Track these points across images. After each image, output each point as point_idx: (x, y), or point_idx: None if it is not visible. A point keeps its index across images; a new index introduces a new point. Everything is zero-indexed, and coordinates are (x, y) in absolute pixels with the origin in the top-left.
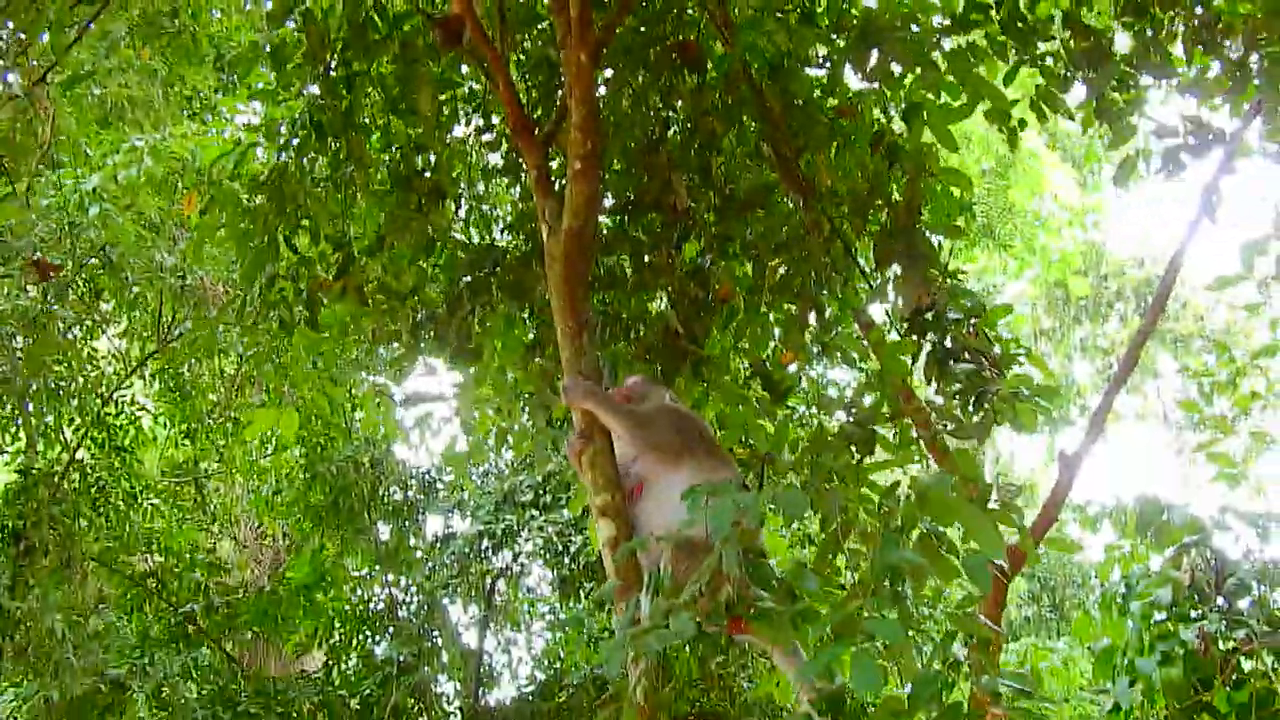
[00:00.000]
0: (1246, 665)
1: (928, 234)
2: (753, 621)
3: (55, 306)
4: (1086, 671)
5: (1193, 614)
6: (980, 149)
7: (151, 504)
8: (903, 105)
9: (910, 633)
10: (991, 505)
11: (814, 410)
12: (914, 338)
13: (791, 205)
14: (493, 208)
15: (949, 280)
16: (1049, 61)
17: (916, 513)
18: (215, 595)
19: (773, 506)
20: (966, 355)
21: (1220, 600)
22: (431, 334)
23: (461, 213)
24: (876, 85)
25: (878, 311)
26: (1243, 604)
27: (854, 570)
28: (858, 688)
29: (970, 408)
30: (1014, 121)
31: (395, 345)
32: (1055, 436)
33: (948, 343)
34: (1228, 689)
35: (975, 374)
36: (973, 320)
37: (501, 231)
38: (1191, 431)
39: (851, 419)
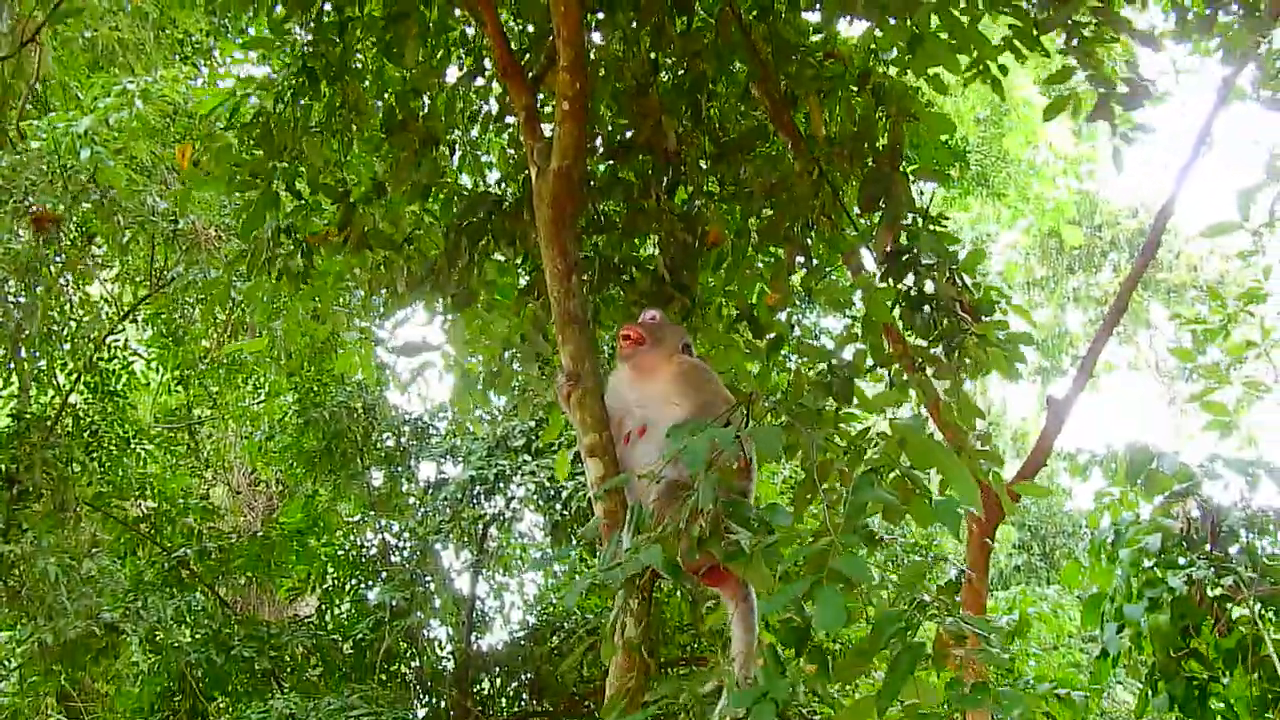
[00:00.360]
0: (1235, 612)
1: (910, 178)
2: (727, 558)
3: (47, 252)
4: (1076, 619)
5: (1181, 561)
6: (975, 97)
7: (145, 449)
8: (892, 49)
9: (880, 573)
10: (975, 446)
11: (801, 358)
12: (891, 282)
13: (781, 149)
14: (488, 154)
15: (927, 225)
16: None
17: (893, 455)
18: (209, 540)
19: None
20: (941, 300)
21: (1209, 547)
22: (428, 281)
23: (456, 159)
24: (867, 26)
25: (868, 257)
26: (1232, 551)
27: (829, 507)
28: (821, 624)
29: (945, 353)
30: (994, 71)
31: (389, 292)
32: (1047, 385)
33: (924, 287)
34: (1216, 636)
35: (949, 319)
36: (950, 265)
37: (498, 181)
38: (1184, 381)
39: (833, 368)
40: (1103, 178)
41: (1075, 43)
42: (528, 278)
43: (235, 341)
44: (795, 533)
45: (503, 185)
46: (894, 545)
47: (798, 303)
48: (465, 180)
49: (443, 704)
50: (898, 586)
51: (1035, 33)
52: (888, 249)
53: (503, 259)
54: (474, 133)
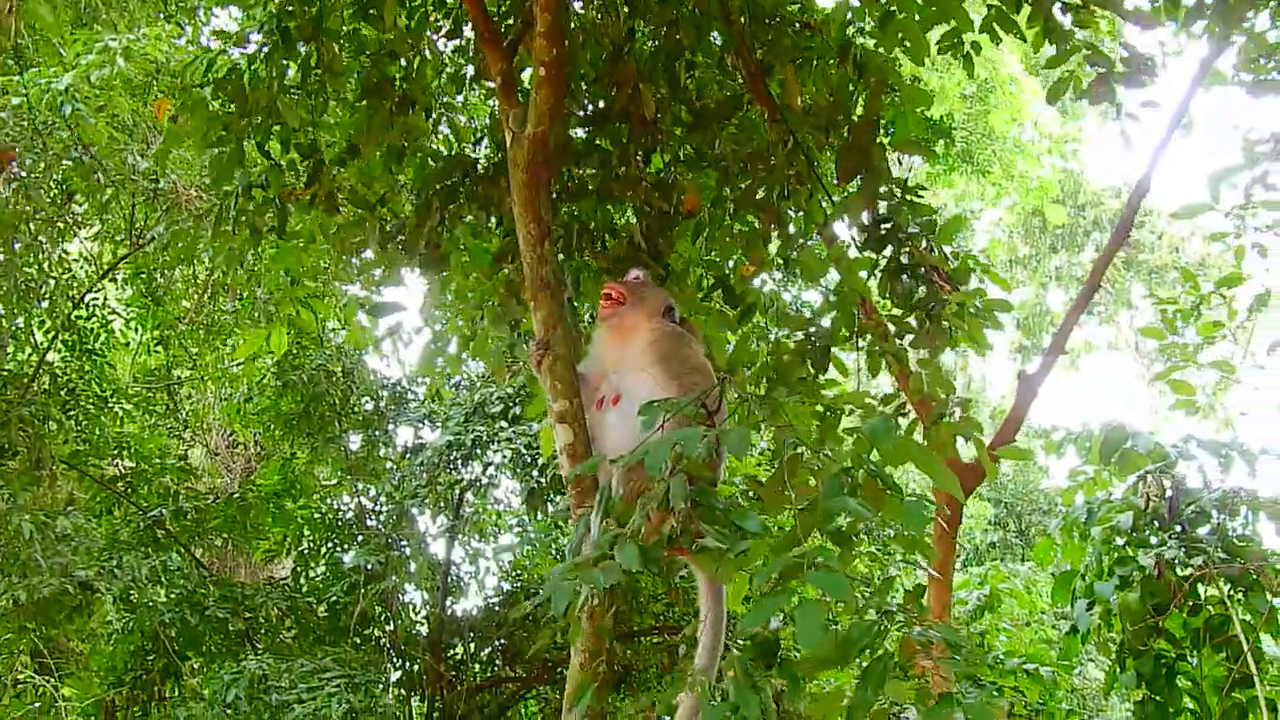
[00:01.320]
0: (1203, 591)
1: (887, 150)
2: (695, 555)
3: (28, 207)
4: (1048, 596)
5: (1152, 540)
6: (960, 72)
7: (122, 408)
8: (869, 20)
9: (852, 581)
10: (951, 418)
11: (778, 328)
12: (870, 252)
13: (758, 119)
14: (469, 119)
15: (905, 196)
16: None
17: (861, 454)
18: (185, 501)
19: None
20: (921, 270)
21: (1179, 527)
22: (400, 242)
23: (431, 122)
24: None
25: (841, 226)
26: (1202, 531)
27: (800, 510)
28: (801, 641)
29: (923, 321)
30: (968, 47)
31: (364, 254)
32: (1027, 364)
33: (902, 257)
34: (1183, 614)
35: (927, 288)
36: (928, 235)
37: (474, 144)
38: (1163, 362)
39: (810, 336)
40: (1087, 157)
41: (1069, 20)
42: (501, 243)
43: (215, 302)
44: (766, 529)
45: (478, 149)
46: (861, 539)
47: (779, 275)
48: (443, 143)
49: (416, 668)
50: (867, 600)
51: (1015, 15)
52: (865, 220)
53: (475, 223)
54: (452, 96)
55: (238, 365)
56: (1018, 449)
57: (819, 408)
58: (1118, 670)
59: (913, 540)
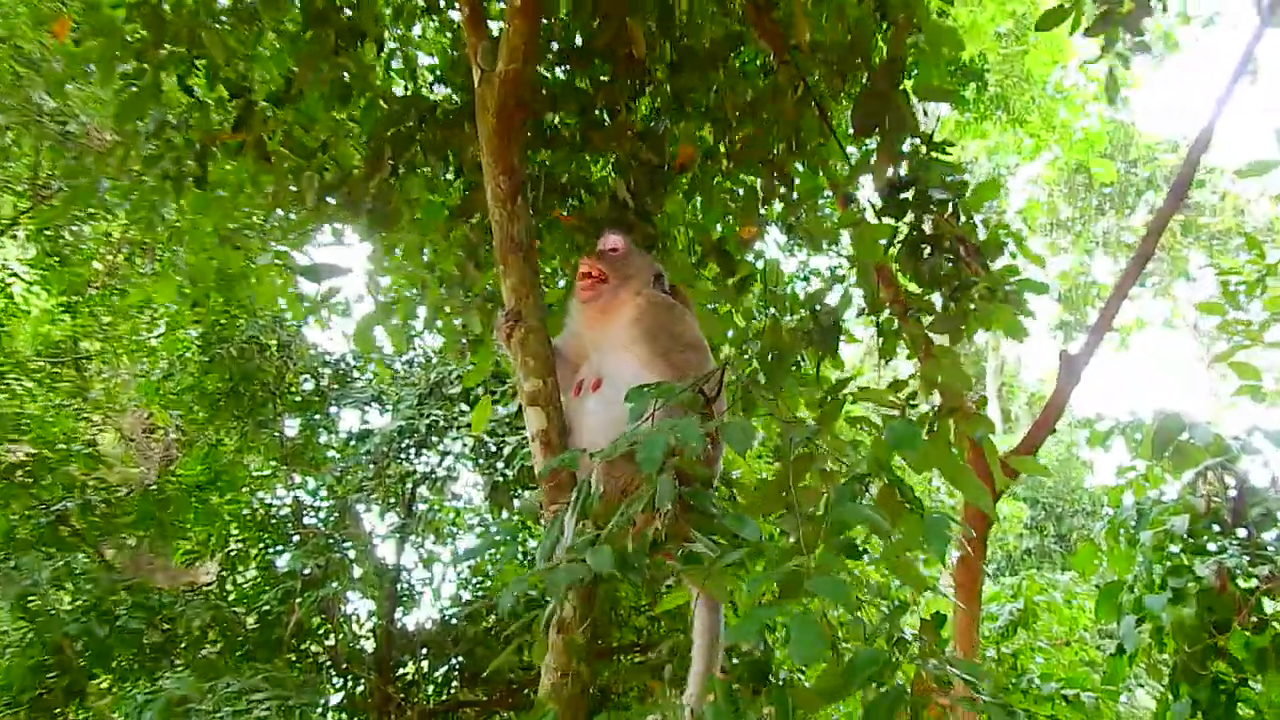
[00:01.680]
0: (1269, 606)
1: (912, 98)
2: (683, 566)
3: None
4: (1090, 610)
5: (1211, 547)
6: (995, 8)
7: (22, 386)
8: None
9: (863, 593)
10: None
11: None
12: (889, 219)
13: (761, 60)
14: (426, 54)
15: (931, 153)
16: None
17: (881, 458)
18: (94, 493)
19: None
20: (946, 242)
21: (1242, 532)
22: (344, 196)
23: (383, 57)
24: None
25: (859, 188)
26: (1268, 537)
27: (806, 518)
28: (795, 655)
29: (945, 302)
30: None
31: (300, 208)
32: (1070, 343)
33: (925, 226)
34: (1247, 633)
35: (953, 264)
36: (956, 200)
37: (432, 83)
38: (1225, 341)
39: (815, 314)
40: (1140, 105)
41: None
42: (462, 195)
43: (131, 264)
44: (766, 538)
45: (436, 90)
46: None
47: (781, 240)
48: (396, 81)
49: (360, 688)
50: (877, 627)
51: None
52: (885, 180)
53: (431, 174)
54: (407, 28)
55: (156, 337)
56: (1035, 463)
57: (818, 395)
58: (1171, 697)
59: (904, 566)
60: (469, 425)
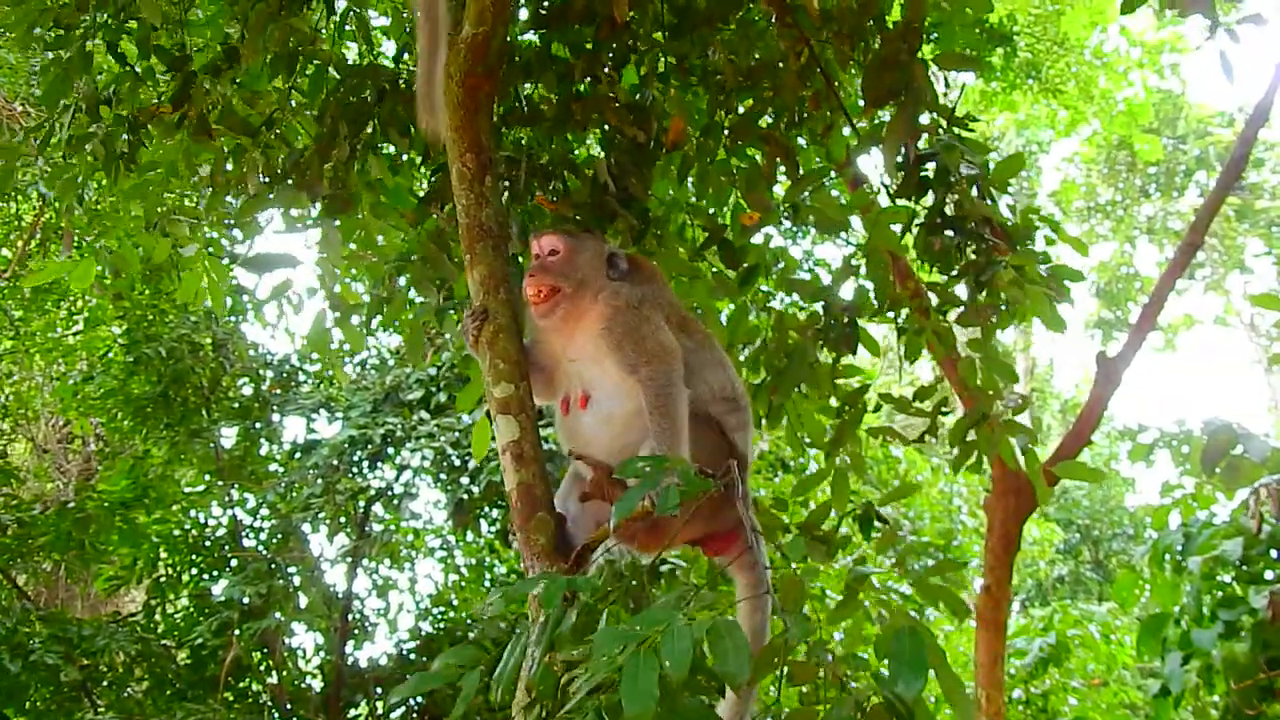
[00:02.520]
0: None
1: (932, 66)
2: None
3: None
4: (1131, 645)
5: (1267, 575)
6: None
7: None
8: None
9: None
10: (1005, 416)
11: (784, 293)
12: (906, 200)
13: (763, 23)
14: (382, 16)
15: (953, 127)
16: None
17: (879, 675)
18: (3, 511)
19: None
20: (970, 225)
21: None
22: (292, 178)
23: (334, 21)
24: None
25: (872, 166)
26: None
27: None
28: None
29: (972, 291)
30: None
31: (239, 190)
32: (1109, 343)
33: (947, 208)
34: None
35: (978, 249)
36: (980, 179)
37: (392, 51)
38: None
39: (829, 309)
40: (1190, 73)
41: None
42: (430, 179)
43: (45, 251)
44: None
45: (399, 59)
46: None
47: (782, 223)
48: (349, 47)
49: None
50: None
51: None
52: (901, 157)
53: (394, 155)
54: None
55: (74, 334)
56: (1083, 467)
57: (835, 402)
58: None
59: (940, 590)
60: (430, 436)
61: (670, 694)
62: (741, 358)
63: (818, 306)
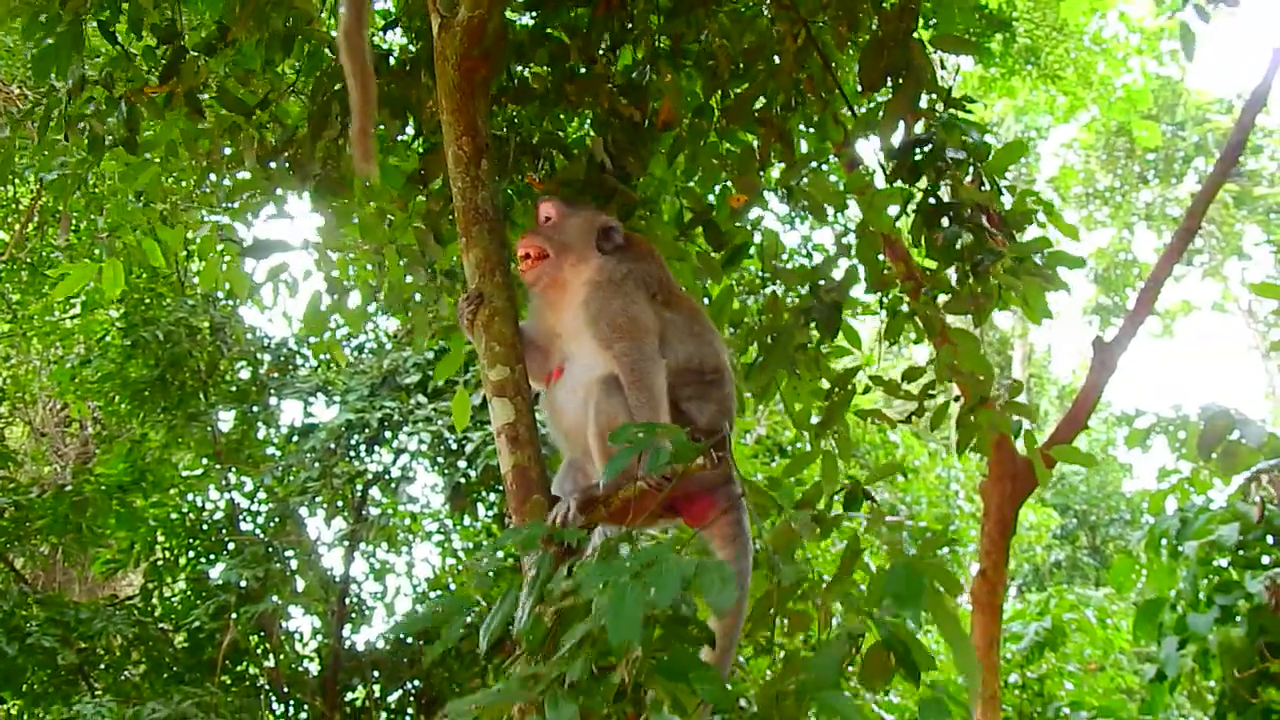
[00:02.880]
0: None
1: (929, 48)
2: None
3: None
4: (1128, 630)
5: (1264, 560)
6: None
7: None
8: None
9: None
10: (1002, 398)
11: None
12: (901, 183)
13: (757, 8)
14: None
15: (949, 110)
16: None
17: (873, 611)
18: (1, 495)
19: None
20: (966, 210)
21: None
22: (287, 159)
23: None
24: None
25: (868, 149)
26: None
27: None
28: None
29: (964, 277)
30: None
31: (239, 173)
32: (1106, 330)
33: (943, 192)
34: None
35: (975, 234)
36: (976, 163)
37: (385, 29)
38: None
39: (816, 291)
40: (1191, 60)
41: None
42: (421, 160)
43: (42, 235)
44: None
45: (392, 36)
46: (899, 524)
47: (781, 208)
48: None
49: (303, 715)
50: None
51: None
52: (897, 140)
53: (387, 135)
54: None
55: (71, 317)
56: (1079, 452)
57: (824, 384)
58: None
59: (933, 567)
60: (427, 419)
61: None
62: (729, 335)
63: (807, 289)
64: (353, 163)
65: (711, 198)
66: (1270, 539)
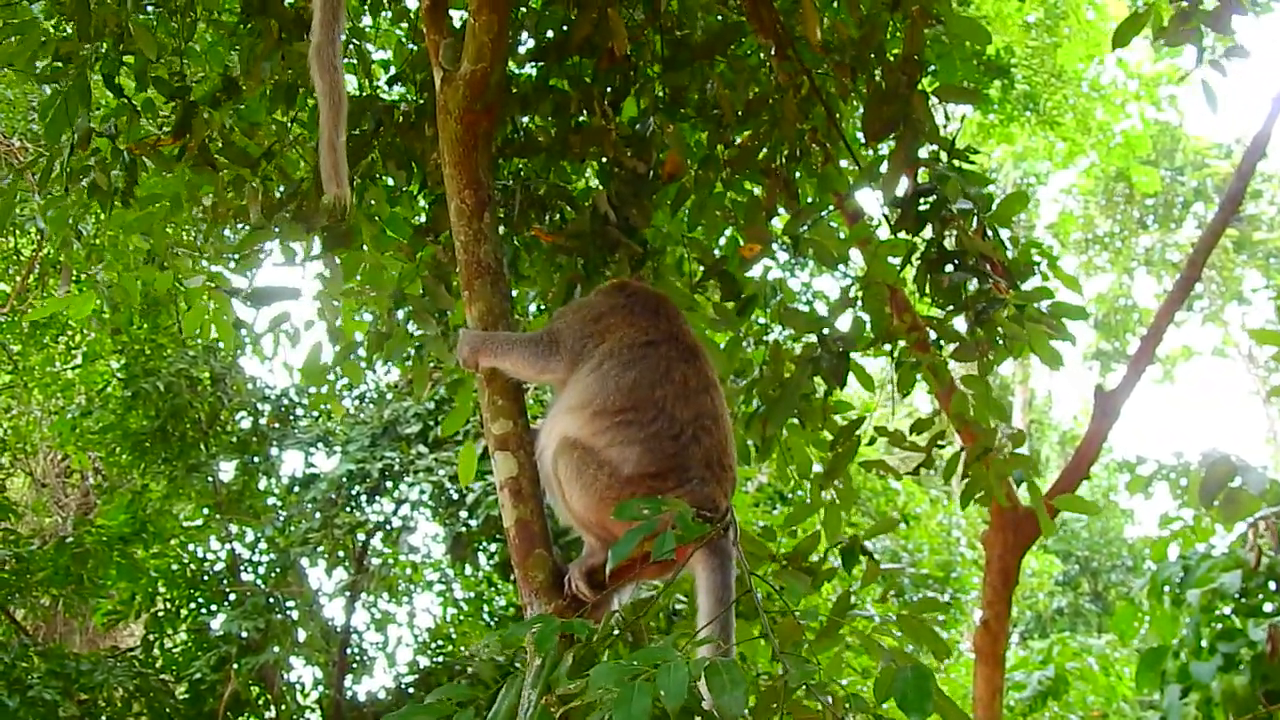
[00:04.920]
0: None
1: (931, 98)
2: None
3: None
4: (1130, 679)
5: (1267, 607)
6: None
7: None
8: None
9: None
10: (1006, 448)
11: (782, 326)
12: (905, 234)
13: (761, 56)
14: (380, 49)
15: (952, 160)
16: None
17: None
18: (2, 546)
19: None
20: (970, 260)
21: None
22: (292, 210)
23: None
24: None
25: (870, 199)
26: None
27: None
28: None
29: (971, 326)
30: None
31: (242, 225)
32: (1107, 376)
33: (947, 241)
34: None
35: (978, 282)
36: (980, 214)
37: (387, 81)
38: None
39: (824, 340)
40: (1189, 105)
41: None
42: (427, 210)
43: (44, 285)
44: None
45: (396, 87)
46: (899, 575)
47: (780, 256)
48: (349, 82)
49: None
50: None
51: None
52: (900, 191)
53: (393, 185)
54: (356, 20)
55: (72, 368)
56: (1083, 500)
57: (828, 435)
58: None
59: (923, 630)
60: (428, 469)
61: None
62: (738, 387)
63: (813, 337)
64: (324, 185)
65: (721, 247)
66: (1272, 586)
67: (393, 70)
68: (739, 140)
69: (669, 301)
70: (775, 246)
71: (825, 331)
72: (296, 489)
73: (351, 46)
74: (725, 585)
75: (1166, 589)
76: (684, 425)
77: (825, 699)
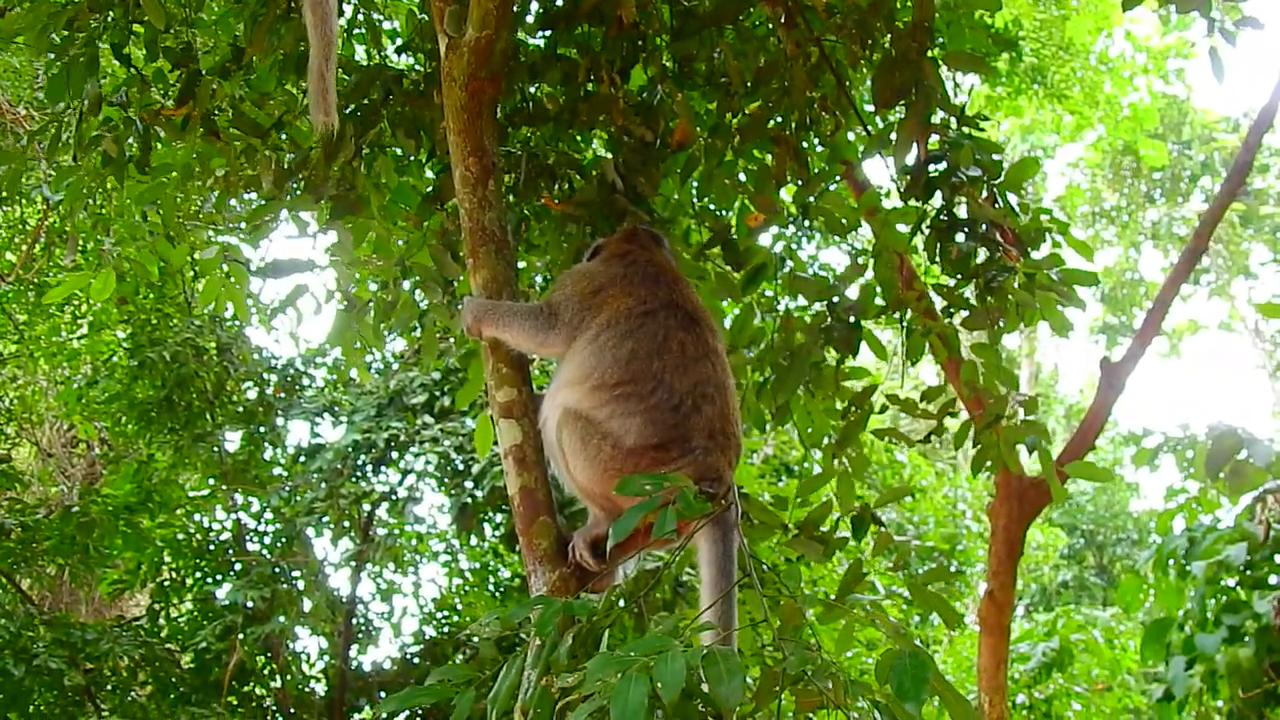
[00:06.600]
0: None
1: (941, 67)
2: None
3: None
4: (1135, 651)
5: (1272, 579)
6: None
7: None
8: None
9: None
10: (1018, 417)
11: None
12: (915, 202)
13: (770, 24)
14: (387, 19)
15: (963, 128)
16: None
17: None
18: (8, 516)
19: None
20: (980, 227)
21: None
22: (302, 180)
23: (343, 22)
24: None
25: (877, 168)
26: None
27: None
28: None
29: (981, 294)
30: None
31: (253, 194)
32: (1113, 348)
33: (957, 209)
34: None
35: (989, 251)
36: (990, 181)
37: (396, 50)
38: None
39: (833, 309)
40: (1197, 78)
41: None
42: (435, 180)
43: (50, 254)
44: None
45: (405, 57)
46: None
47: (794, 227)
48: (357, 51)
49: None
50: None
51: None
52: (910, 158)
53: (402, 154)
54: None
55: (78, 338)
56: (1094, 467)
57: (840, 404)
58: None
59: (934, 598)
60: (434, 440)
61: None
62: (748, 356)
63: (822, 306)
64: (311, 113)
65: (726, 218)
66: (1278, 558)
67: (401, 40)
68: (748, 109)
69: (670, 267)
70: (785, 216)
71: (835, 300)
72: (302, 459)
73: (360, 16)
74: (728, 556)
75: (1171, 562)
76: (683, 395)
77: (825, 685)
